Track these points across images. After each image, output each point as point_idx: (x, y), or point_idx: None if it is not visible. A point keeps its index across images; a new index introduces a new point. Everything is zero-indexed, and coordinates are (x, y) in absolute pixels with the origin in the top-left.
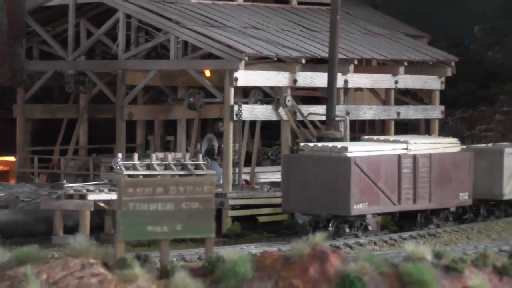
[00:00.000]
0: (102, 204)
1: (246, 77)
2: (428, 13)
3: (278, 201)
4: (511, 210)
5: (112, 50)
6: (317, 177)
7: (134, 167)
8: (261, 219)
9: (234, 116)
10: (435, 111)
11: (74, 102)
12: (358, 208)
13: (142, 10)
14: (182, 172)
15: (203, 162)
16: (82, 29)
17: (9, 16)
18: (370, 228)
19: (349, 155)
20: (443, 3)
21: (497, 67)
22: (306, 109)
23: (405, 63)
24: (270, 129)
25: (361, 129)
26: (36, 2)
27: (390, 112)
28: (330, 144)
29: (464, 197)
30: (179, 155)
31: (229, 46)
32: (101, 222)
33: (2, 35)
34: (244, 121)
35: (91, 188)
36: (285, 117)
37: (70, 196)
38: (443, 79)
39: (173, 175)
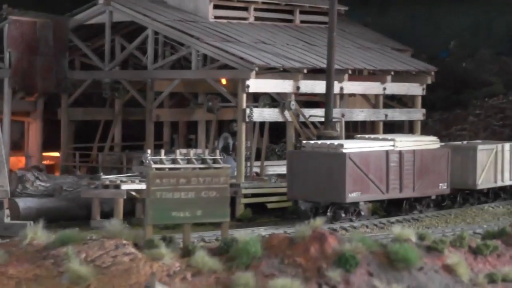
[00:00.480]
0: (133, 193)
1: (256, 85)
2: (410, 30)
3: (283, 190)
4: (483, 198)
5: (143, 62)
6: (317, 169)
7: (161, 161)
8: (269, 205)
9: (246, 118)
10: (417, 114)
11: (110, 106)
12: (352, 196)
13: (168, 28)
14: (202, 166)
15: (220, 157)
16: (117, 44)
17: (54, 34)
18: (362, 213)
19: (344, 151)
20: (422, 22)
21: (469, 76)
22: (308, 111)
23: (392, 73)
24: (276, 129)
25: (354, 129)
26: (78, 21)
27: (379, 114)
28: (328, 142)
29: (443, 187)
30: (199, 151)
31: (242, 58)
32: (133, 208)
33: (49, 49)
34: (254, 122)
35: (124, 179)
36: (289, 119)
37: (106, 186)
38: (424, 86)
39: (194, 168)
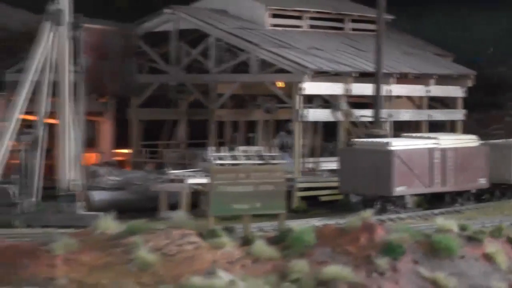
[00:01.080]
0: (197, 187)
1: (310, 87)
2: (449, 37)
3: (335, 184)
4: None
5: (206, 66)
6: (366, 165)
7: (222, 158)
8: (322, 198)
9: (301, 118)
10: (458, 114)
11: (176, 107)
12: (398, 190)
13: (229, 35)
14: (260, 162)
15: (277, 154)
16: (182, 49)
17: (123, 40)
18: (408, 206)
19: (391, 148)
20: (459, 29)
21: (503, 79)
22: (357, 112)
23: (435, 76)
24: (329, 128)
25: (400, 128)
26: (146, 29)
27: (422, 115)
28: (377, 140)
29: (482, 182)
30: (258, 148)
31: (297, 63)
32: (197, 200)
33: (119, 55)
34: (308, 122)
35: (189, 174)
36: (341, 119)
37: (173, 180)
38: (465, 88)
39: (253, 164)
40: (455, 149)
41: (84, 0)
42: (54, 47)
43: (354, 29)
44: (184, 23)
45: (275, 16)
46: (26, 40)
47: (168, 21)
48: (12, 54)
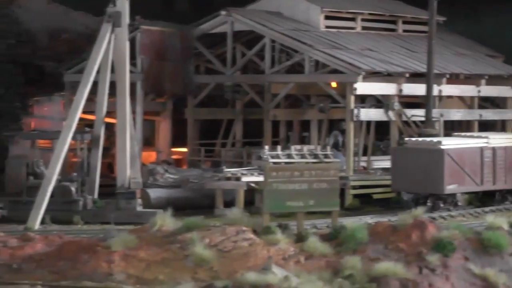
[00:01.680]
0: (252, 184)
1: (363, 88)
2: (501, 37)
3: (388, 182)
4: None
5: (261, 66)
6: (418, 164)
7: (277, 156)
8: (375, 196)
9: (354, 117)
10: (509, 114)
11: (232, 107)
12: (450, 188)
13: (283, 36)
14: (314, 160)
15: (330, 153)
16: (237, 50)
17: (181, 42)
18: (459, 203)
19: (442, 147)
20: (507, 31)
21: None
22: (409, 112)
23: (486, 77)
24: (381, 127)
25: (451, 128)
26: (203, 30)
27: (473, 114)
28: (428, 139)
29: None
30: (312, 147)
31: (350, 64)
32: (252, 198)
33: (176, 56)
34: (361, 121)
35: (245, 172)
36: (393, 118)
37: (228, 178)
38: None
39: (307, 163)
40: (506, 148)
41: (144, 2)
42: (113, 48)
43: (406, 31)
44: (240, 25)
45: (329, 17)
46: (87, 42)
47: (224, 22)
48: (74, 55)
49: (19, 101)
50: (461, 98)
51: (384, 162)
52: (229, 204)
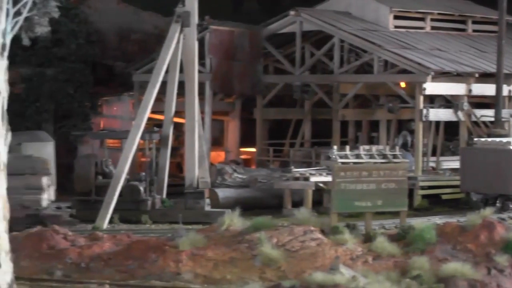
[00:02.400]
0: (321, 184)
1: (432, 88)
2: None
3: (456, 183)
4: None
5: (329, 66)
6: (487, 164)
7: (346, 156)
8: (444, 196)
9: (423, 118)
10: None
11: (300, 107)
12: None
13: (352, 36)
14: (382, 160)
15: (399, 153)
16: (306, 50)
17: (250, 42)
18: None
19: None
20: None
21: None
22: (479, 112)
23: None
24: (450, 127)
25: None
26: (271, 30)
27: None
28: (498, 139)
29: None
30: (380, 147)
31: (419, 64)
32: (320, 198)
33: (245, 56)
34: (430, 121)
35: (313, 172)
36: (462, 119)
37: (297, 178)
38: None
39: (375, 163)
40: None
41: (213, 2)
42: (182, 48)
43: (475, 31)
44: (308, 25)
45: (398, 17)
46: (156, 42)
47: (293, 22)
48: (143, 55)
49: (89, 101)
50: None
51: (453, 163)
52: (297, 204)
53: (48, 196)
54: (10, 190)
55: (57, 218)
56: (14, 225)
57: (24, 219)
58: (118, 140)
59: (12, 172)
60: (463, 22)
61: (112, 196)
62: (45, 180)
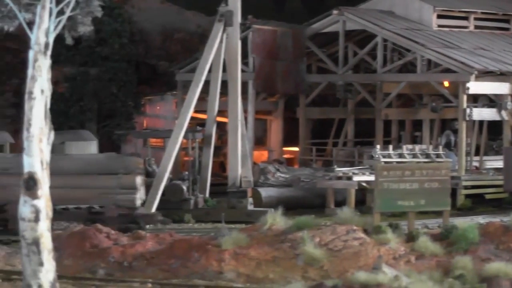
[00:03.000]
0: (364, 184)
1: (475, 87)
2: None
3: (500, 182)
4: None
5: (372, 66)
6: None
7: (389, 156)
8: (487, 196)
9: (466, 117)
10: None
11: (343, 106)
12: None
13: (396, 35)
14: (425, 160)
15: (442, 152)
16: (349, 50)
17: (293, 41)
18: None
19: None
20: None
21: None
22: None
23: None
24: (494, 127)
25: None
26: (315, 30)
27: None
28: None
29: None
30: (424, 147)
31: (462, 63)
32: (363, 197)
33: (289, 55)
34: (474, 121)
35: (356, 171)
36: (506, 118)
37: (340, 178)
38: None
39: (418, 162)
40: None
41: (256, 1)
42: (225, 48)
43: None
44: (351, 24)
45: (441, 16)
46: (199, 41)
47: (336, 22)
48: (186, 54)
49: (132, 100)
50: None
51: (496, 162)
52: (340, 203)
53: (140, 195)
54: (104, 190)
55: (151, 218)
56: (108, 224)
57: (117, 218)
58: (161, 139)
59: (106, 172)
60: (507, 21)
61: (155, 195)
62: (138, 180)
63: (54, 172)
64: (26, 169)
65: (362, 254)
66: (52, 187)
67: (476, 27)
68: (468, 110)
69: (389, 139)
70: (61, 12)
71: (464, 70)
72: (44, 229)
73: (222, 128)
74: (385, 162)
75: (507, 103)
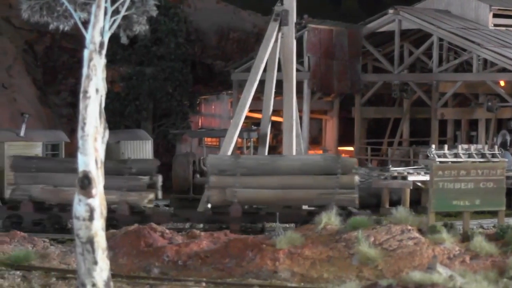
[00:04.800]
0: (419, 184)
1: None
2: None
3: None
4: None
5: (428, 65)
6: None
7: (444, 155)
8: None
9: None
10: None
11: (399, 105)
12: None
13: (451, 34)
14: (481, 160)
15: (498, 152)
16: (405, 49)
17: (349, 40)
18: None
19: None
20: None
21: None
22: None
23: None
24: None
25: None
26: (370, 29)
27: None
28: None
29: None
30: (479, 146)
31: None
32: (418, 197)
33: (344, 54)
34: None
35: (411, 171)
36: None
37: (395, 177)
38: None
39: (473, 162)
40: None
41: (312, 1)
42: (280, 47)
43: None
44: (407, 23)
45: (497, 16)
46: (255, 41)
47: (392, 21)
48: (242, 54)
49: (188, 100)
50: None
51: None
52: (395, 203)
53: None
54: (324, 190)
55: None
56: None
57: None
58: (216, 138)
59: (324, 172)
60: None
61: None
62: (356, 179)
63: (272, 172)
64: (81, 168)
65: (417, 253)
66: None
67: None
68: None
69: (444, 138)
70: (116, 11)
71: None
72: (98, 228)
73: (277, 127)
74: (441, 162)
75: None
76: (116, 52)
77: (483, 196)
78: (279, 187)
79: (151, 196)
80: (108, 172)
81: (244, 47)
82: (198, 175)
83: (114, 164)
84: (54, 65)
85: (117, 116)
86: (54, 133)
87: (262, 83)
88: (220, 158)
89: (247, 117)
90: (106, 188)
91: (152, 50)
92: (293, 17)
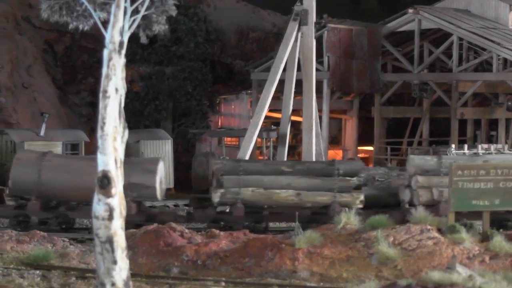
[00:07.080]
0: None
1: None
2: None
3: None
4: None
5: (448, 65)
6: None
7: (464, 155)
8: None
9: None
10: None
11: (418, 105)
12: None
13: (471, 34)
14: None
15: None
16: (425, 49)
17: (369, 40)
18: None
19: None
20: None
21: None
22: None
23: None
24: None
25: None
26: (390, 29)
27: None
28: None
29: None
30: (499, 146)
31: None
32: None
33: (364, 54)
34: None
35: None
36: None
37: None
38: None
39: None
40: None
41: (332, 1)
42: (300, 47)
43: None
44: (427, 23)
45: None
46: (275, 40)
47: (411, 20)
48: (261, 53)
49: (207, 99)
50: None
51: None
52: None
53: None
54: None
55: None
56: None
57: None
58: (235, 138)
59: None
60: None
61: None
62: None
63: None
64: (100, 167)
65: (436, 253)
66: None
67: None
68: None
69: (464, 138)
70: (135, 11)
71: None
72: (117, 228)
73: (296, 127)
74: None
75: None
76: (136, 51)
77: (502, 195)
78: None
79: (362, 197)
80: (317, 174)
81: (263, 46)
82: None
83: (322, 165)
84: (74, 65)
85: (136, 115)
86: (74, 132)
87: (281, 82)
88: (423, 158)
89: (266, 117)
90: (317, 189)
91: (171, 49)
92: (312, 17)
